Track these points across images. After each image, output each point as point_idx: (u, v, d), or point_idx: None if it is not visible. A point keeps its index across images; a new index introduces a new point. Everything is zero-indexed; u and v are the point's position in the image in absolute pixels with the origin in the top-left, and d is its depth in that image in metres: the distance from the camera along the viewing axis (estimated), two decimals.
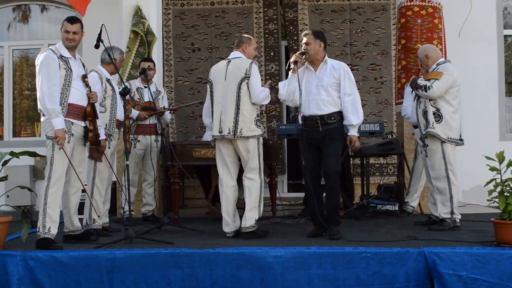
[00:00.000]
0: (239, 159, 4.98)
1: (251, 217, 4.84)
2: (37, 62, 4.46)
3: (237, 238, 4.83)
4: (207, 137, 6.61)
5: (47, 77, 4.36)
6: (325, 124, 4.78)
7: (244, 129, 4.81)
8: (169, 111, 6.55)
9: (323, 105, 4.79)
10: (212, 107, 5.00)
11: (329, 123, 4.78)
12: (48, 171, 4.37)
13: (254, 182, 4.90)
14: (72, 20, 4.54)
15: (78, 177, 4.57)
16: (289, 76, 4.89)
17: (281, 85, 4.97)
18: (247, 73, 4.83)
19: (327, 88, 4.79)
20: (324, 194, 4.88)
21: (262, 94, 4.90)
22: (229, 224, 4.93)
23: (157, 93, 6.26)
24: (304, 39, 4.88)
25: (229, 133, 4.81)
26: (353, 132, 4.82)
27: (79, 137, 4.58)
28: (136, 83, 6.18)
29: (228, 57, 5.05)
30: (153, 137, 6.09)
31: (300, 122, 5.07)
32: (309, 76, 4.92)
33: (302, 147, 4.88)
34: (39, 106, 4.50)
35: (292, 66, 4.84)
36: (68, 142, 4.43)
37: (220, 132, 4.86)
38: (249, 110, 4.84)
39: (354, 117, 4.75)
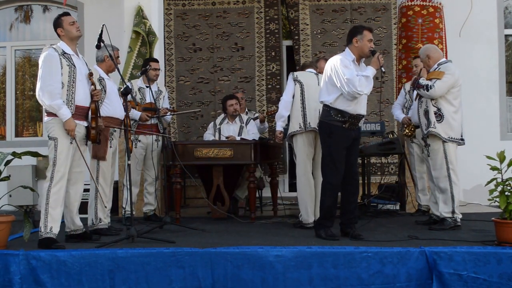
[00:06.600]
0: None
1: None
2: (40, 61, 4.47)
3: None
4: (207, 136, 6.63)
5: (47, 74, 4.37)
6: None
7: None
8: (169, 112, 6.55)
9: (365, 104, 4.86)
10: (302, 103, 5.41)
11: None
12: (51, 171, 4.38)
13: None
14: (68, 13, 4.66)
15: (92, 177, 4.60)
16: (371, 73, 4.76)
17: (367, 81, 4.80)
18: None
19: None
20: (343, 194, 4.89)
21: None
22: (310, 216, 5.38)
23: (159, 93, 6.24)
24: (371, 37, 4.75)
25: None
26: None
27: (81, 137, 4.59)
28: (138, 83, 6.18)
29: (310, 71, 5.59)
30: (154, 137, 6.09)
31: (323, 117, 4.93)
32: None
33: (337, 145, 4.71)
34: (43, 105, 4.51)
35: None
36: (71, 142, 4.45)
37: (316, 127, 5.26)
38: None
39: None
